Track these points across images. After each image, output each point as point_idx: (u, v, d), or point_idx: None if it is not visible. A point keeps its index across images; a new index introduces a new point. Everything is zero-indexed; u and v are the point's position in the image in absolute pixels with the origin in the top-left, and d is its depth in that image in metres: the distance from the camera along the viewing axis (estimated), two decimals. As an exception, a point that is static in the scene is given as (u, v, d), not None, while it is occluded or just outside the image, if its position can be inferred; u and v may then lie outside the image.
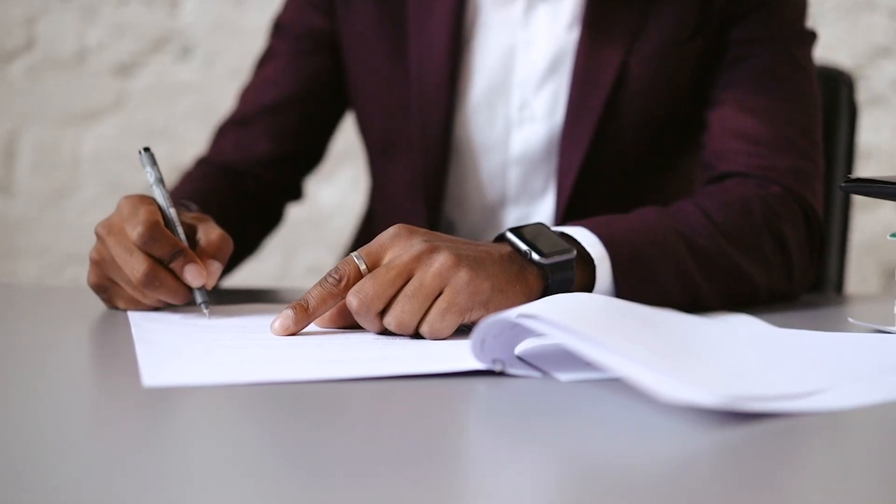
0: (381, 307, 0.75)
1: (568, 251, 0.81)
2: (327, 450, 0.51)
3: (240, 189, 1.15)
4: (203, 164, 1.16)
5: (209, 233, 0.87)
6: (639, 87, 1.07)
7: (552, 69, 1.09)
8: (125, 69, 2.01)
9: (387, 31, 1.11)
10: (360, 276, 0.76)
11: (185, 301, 0.84)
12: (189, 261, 0.83)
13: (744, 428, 0.53)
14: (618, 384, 0.60)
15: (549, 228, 0.83)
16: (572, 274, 0.81)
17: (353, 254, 0.77)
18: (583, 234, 0.86)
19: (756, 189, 1.00)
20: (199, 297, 0.83)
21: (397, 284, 0.74)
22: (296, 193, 1.23)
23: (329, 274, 0.77)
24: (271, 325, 0.76)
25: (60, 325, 0.85)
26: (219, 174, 1.15)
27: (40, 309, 0.92)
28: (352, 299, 0.74)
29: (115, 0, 2.00)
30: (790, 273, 1.00)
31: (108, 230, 0.84)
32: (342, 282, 0.76)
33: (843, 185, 0.80)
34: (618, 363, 0.57)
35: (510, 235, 0.81)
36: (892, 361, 0.67)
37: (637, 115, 1.08)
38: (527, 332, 0.64)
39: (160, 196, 0.86)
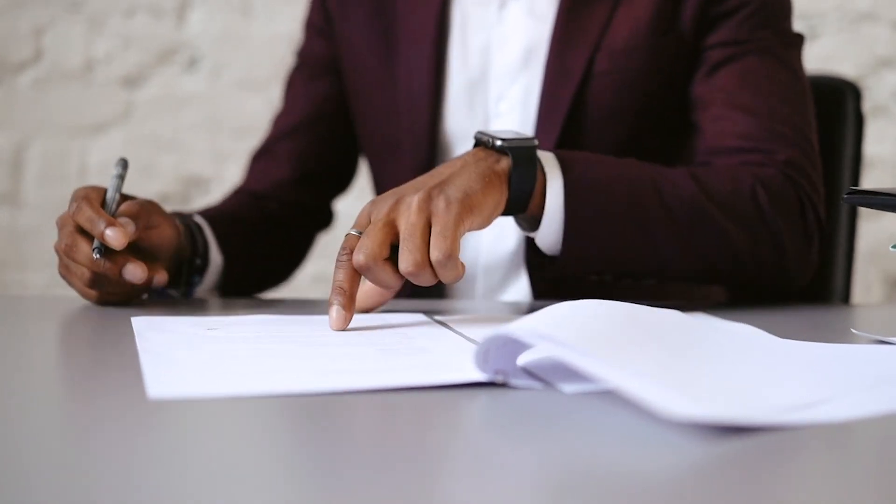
0: (384, 254, 0.81)
1: (529, 139, 0.89)
2: (329, 460, 0.51)
3: (263, 212, 1.20)
4: (235, 192, 1.23)
5: (132, 203, 0.95)
6: (607, 81, 1.09)
7: (525, 62, 1.12)
8: (132, 80, 2.02)
9: (378, 37, 1.16)
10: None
11: (138, 286, 0.93)
12: (126, 261, 0.91)
13: (745, 440, 0.53)
14: (620, 395, 0.60)
15: (516, 132, 0.91)
16: (534, 155, 0.89)
17: (347, 231, 0.84)
18: (543, 152, 0.93)
19: (750, 168, 1.02)
20: (95, 246, 0.91)
21: (387, 231, 0.82)
22: (323, 218, 1.28)
23: (338, 255, 0.83)
24: (329, 324, 0.81)
25: (67, 336, 0.85)
26: (245, 199, 1.21)
27: (47, 319, 0.93)
28: (358, 257, 0.81)
29: (122, 12, 2.01)
30: (780, 247, 1.00)
31: (60, 224, 0.93)
32: (350, 253, 0.83)
33: (846, 196, 0.81)
34: (614, 377, 0.58)
35: (476, 134, 0.91)
36: (893, 372, 0.68)
37: (606, 110, 1.10)
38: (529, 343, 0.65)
39: (111, 186, 0.95)
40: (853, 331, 0.82)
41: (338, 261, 0.83)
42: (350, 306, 0.81)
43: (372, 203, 0.85)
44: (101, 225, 0.90)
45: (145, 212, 0.95)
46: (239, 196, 1.22)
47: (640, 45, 1.09)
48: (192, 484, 0.47)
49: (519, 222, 0.94)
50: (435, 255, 0.81)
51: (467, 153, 0.89)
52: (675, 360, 0.64)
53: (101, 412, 0.60)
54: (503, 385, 0.64)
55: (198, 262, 1.05)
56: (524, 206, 0.90)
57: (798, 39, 1.12)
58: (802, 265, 1.03)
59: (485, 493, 0.47)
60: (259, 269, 1.18)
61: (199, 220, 1.09)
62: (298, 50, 1.25)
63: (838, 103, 1.34)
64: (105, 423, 0.57)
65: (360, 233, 0.83)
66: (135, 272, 0.91)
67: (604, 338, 0.63)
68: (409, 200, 0.83)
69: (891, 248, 0.83)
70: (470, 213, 0.83)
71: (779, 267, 1.00)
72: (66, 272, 0.94)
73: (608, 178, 0.93)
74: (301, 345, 0.77)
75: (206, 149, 2.04)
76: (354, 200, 2.08)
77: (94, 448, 0.52)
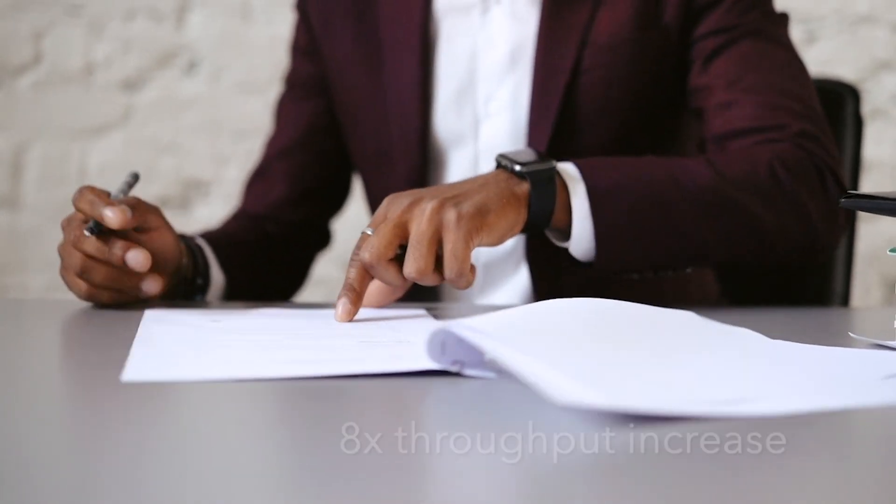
0: (389, 254, 0.85)
1: (547, 161, 0.92)
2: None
3: (262, 233, 1.22)
4: (234, 216, 1.25)
5: (132, 197, 0.97)
6: (595, 77, 1.11)
7: (512, 63, 1.13)
8: (132, 83, 2.03)
9: (364, 54, 1.18)
10: None
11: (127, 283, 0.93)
12: (130, 248, 0.91)
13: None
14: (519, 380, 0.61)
15: (531, 152, 0.94)
16: (552, 177, 0.91)
17: (365, 229, 0.87)
18: (563, 164, 0.95)
19: (764, 145, 1.04)
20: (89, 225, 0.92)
21: (396, 233, 0.85)
22: (321, 238, 1.30)
23: (352, 254, 0.87)
24: (335, 316, 0.85)
25: (67, 339, 0.86)
26: (244, 221, 1.23)
27: (47, 322, 0.93)
28: (364, 254, 0.85)
29: (121, 15, 2.01)
30: (805, 217, 1.01)
31: (65, 223, 0.95)
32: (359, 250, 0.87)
33: (844, 200, 0.81)
34: (515, 363, 0.58)
35: (497, 157, 0.94)
36: (862, 374, 0.68)
37: (596, 105, 1.12)
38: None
39: (116, 189, 0.97)
40: (851, 335, 0.82)
41: (351, 259, 0.87)
42: (357, 302, 0.86)
43: (389, 201, 0.88)
44: (101, 206, 0.90)
45: (145, 207, 0.96)
46: (237, 219, 1.24)
47: (625, 41, 1.11)
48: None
49: (549, 236, 0.97)
50: (448, 274, 0.85)
51: (490, 173, 0.92)
52: (617, 353, 0.65)
53: (100, 413, 0.60)
54: (457, 374, 0.65)
55: (199, 281, 1.06)
56: (546, 224, 0.93)
57: (784, 17, 1.14)
58: (831, 232, 1.04)
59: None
60: (260, 289, 1.19)
61: (200, 241, 1.11)
62: (286, 75, 1.28)
63: (838, 106, 1.34)
64: (104, 423, 0.57)
65: (372, 230, 0.86)
66: (137, 258, 0.91)
67: (540, 331, 0.64)
68: (424, 206, 0.85)
69: (889, 252, 0.83)
70: (480, 231, 0.86)
71: (808, 237, 1.02)
72: (65, 272, 0.94)
73: (628, 179, 0.95)
74: (290, 336, 0.79)
75: (205, 151, 2.04)
76: (353, 219, 2.08)
77: (92, 448, 0.52)
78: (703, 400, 0.59)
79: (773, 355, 0.73)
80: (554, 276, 1.12)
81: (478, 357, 0.65)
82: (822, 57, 1.96)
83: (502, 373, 0.65)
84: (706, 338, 0.74)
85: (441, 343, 0.65)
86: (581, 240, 0.94)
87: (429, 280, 0.85)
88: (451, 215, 0.85)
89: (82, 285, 0.93)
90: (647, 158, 0.99)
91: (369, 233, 0.86)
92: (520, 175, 0.91)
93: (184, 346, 0.75)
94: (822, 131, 1.07)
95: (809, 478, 0.50)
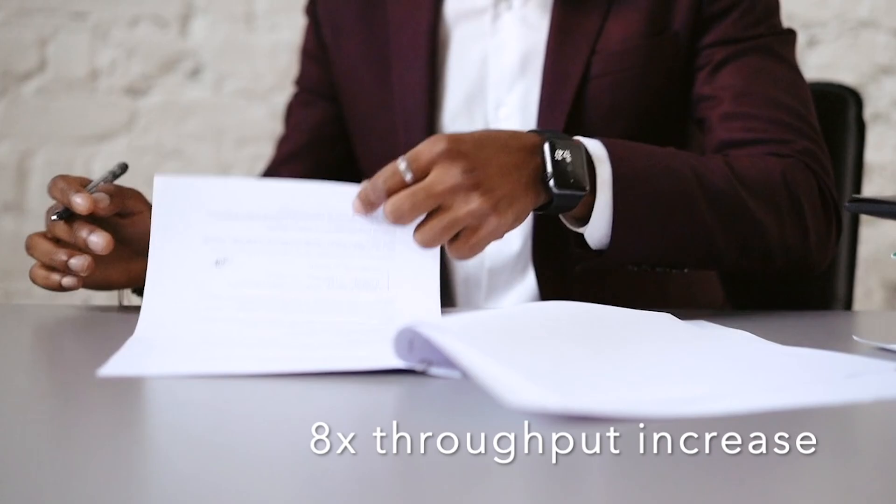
0: (412, 224, 0.85)
1: (581, 189, 0.88)
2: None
3: None
4: None
5: (108, 185, 0.96)
6: (604, 83, 1.11)
7: (522, 69, 1.14)
8: (136, 89, 2.03)
9: (373, 61, 1.18)
10: (403, 184, 0.84)
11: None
12: (94, 231, 0.92)
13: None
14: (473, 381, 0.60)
15: (581, 152, 0.89)
16: (575, 204, 0.90)
17: (401, 162, 0.84)
18: (603, 170, 0.91)
19: (773, 156, 1.04)
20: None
21: (430, 205, 0.83)
22: None
23: (378, 177, 0.85)
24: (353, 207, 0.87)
25: (70, 343, 0.86)
26: None
27: (51, 327, 0.93)
28: (388, 211, 0.84)
29: (126, 21, 2.02)
30: (805, 233, 1.02)
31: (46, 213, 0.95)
32: (389, 191, 0.85)
33: (849, 204, 0.81)
34: (469, 364, 0.58)
35: (547, 152, 0.88)
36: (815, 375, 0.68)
37: (605, 111, 1.12)
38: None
39: (98, 178, 0.96)
40: (855, 338, 0.82)
41: (374, 180, 0.85)
42: (369, 212, 0.87)
43: (441, 154, 0.84)
44: (70, 193, 0.91)
45: (125, 194, 0.97)
46: None
47: (635, 47, 1.11)
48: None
49: (564, 220, 0.95)
50: (455, 256, 0.86)
51: (531, 157, 0.88)
52: (582, 355, 0.65)
53: (103, 417, 0.60)
54: (422, 373, 0.65)
55: None
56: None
57: (791, 35, 1.14)
58: (823, 251, 1.05)
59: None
60: None
61: None
62: (296, 79, 1.29)
63: (840, 110, 1.35)
64: (105, 427, 0.58)
65: (408, 170, 0.83)
66: (97, 241, 0.91)
67: (507, 332, 0.64)
68: (472, 199, 0.84)
69: (893, 256, 0.83)
70: (503, 234, 0.87)
71: (803, 254, 1.03)
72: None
73: (654, 170, 0.94)
74: (284, 325, 0.81)
75: (209, 157, 2.04)
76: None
77: (92, 452, 0.53)
78: (660, 399, 0.58)
79: (741, 355, 0.73)
80: (561, 281, 1.12)
81: (445, 356, 0.65)
82: (823, 61, 1.97)
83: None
84: (676, 338, 0.74)
85: (409, 341, 0.65)
86: (598, 227, 0.92)
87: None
88: (491, 223, 0.85)
89: (43, 273, 0.96)
90: (670, 150, 0.98)
91: (402, 167, 0.83)
92: (549, 191, 0.88)
93: (170, 342, 0.78)
94: (823, 153, 1.08)
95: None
